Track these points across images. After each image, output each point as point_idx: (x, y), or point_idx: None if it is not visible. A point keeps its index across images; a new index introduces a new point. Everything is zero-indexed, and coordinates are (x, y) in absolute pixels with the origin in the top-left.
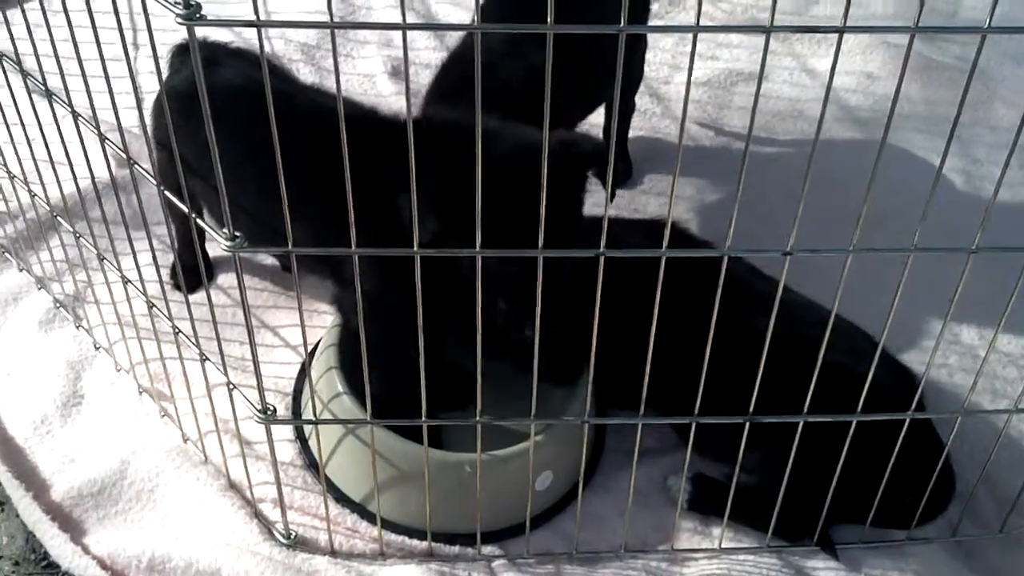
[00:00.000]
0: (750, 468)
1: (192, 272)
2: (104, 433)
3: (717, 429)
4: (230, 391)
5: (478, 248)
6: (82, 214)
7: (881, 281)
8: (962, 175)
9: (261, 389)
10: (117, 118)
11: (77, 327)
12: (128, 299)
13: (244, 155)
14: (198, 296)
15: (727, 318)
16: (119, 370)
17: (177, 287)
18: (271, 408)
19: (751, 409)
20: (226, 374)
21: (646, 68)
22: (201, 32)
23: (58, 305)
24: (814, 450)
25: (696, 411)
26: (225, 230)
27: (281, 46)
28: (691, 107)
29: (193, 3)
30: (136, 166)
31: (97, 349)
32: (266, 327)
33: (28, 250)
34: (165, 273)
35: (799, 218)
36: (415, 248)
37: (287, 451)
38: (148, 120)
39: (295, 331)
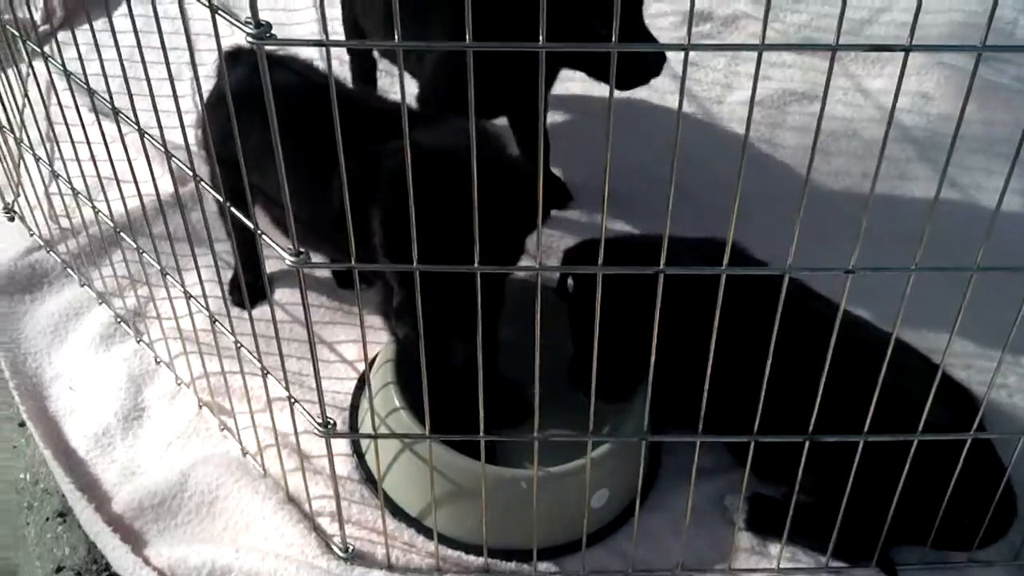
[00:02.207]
0: (808, 489)
1: (253, 288)
2: (165, 446)
3: (774, 449)
4: (291, 405)
5: (538, 264)
6: (145, 230)
7: (939, 303)
8: (1022, 196)
9: (322, 403)
10: (184, 132)
11: (138, 341)
12: (190, 314)
13: (298, 162)
14: (258, 312)
15: (784, 337)
16: (179, 384)
17: (237, 303)
18: (331, 422)
19: (810, 428)
20: (287, 388)
21: (699, 87)
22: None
23: (119, 320)
24: (874, 470)
25: (755, 430)
26: (290, 246)
27: (336, 66)
28: (742, 126)
29: (264, 23)
30: (201, 183)
31: (158, 363)
32: (323, 342)
33: (89, 266)
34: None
35: (861, 235)
36: (475, 264)
37: (344, 466)
38: (199, 133)
39: (351, 347)
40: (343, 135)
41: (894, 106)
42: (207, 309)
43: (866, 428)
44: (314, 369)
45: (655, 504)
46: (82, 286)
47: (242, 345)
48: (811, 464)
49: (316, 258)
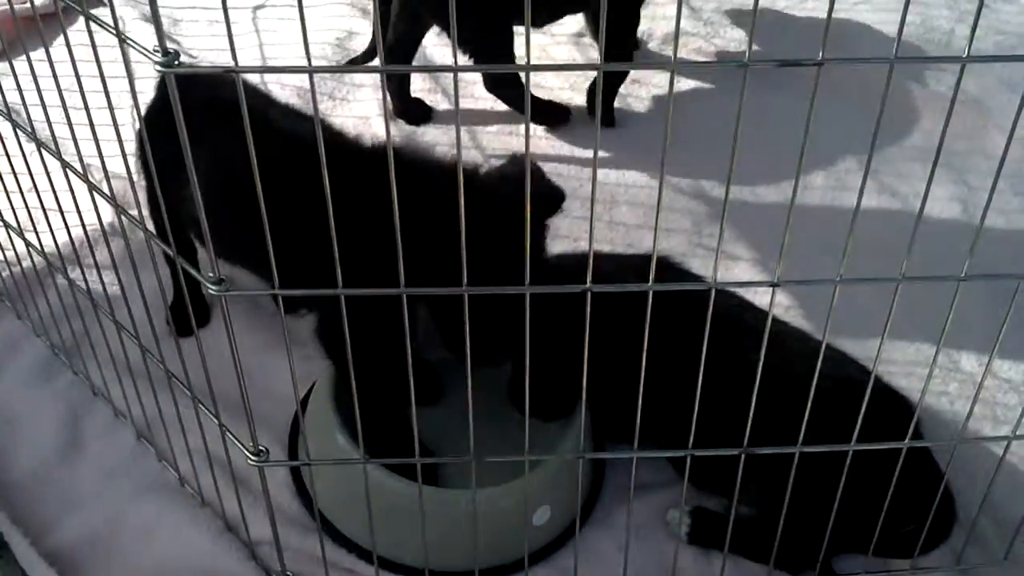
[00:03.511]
0: (748, 500)
1: (185, 314)
2: (103, 479)
3: (713, 462)
4: (222, 433)
5: (464, 286)
6: (76, 261)
7: (878, 312)
8: (960, 203)
9: (252, 431)
10: (125, 160)
11: (75, 373)
12: (122, 345)
13: (221, 178)
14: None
15: (718, 350)
16: (117, 416)
17: (178, 329)
18: (263, 450)
19: (746, 441)
20: (217, 416)
21: (638, 104)
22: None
23: (56, 352)
24: (811, 480)
25: (690, 444)
26: (211, 273)
27: (277, 90)
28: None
29: (171, 51)
30: (124, 214)
31: (95, 395)
32: (266, 369)
33: (26, 298)
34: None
35: (784, 249)
36: (401, 287)
37: (285, 492)
38: (132, 160)
39: (298, 371)
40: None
41: (809, 116)
42: (137, 339)
43: (800, 440)
44: (242, 396)
45: (599, 520)
46: (18, 318)
47: (172, 374)
48: (750, 475)
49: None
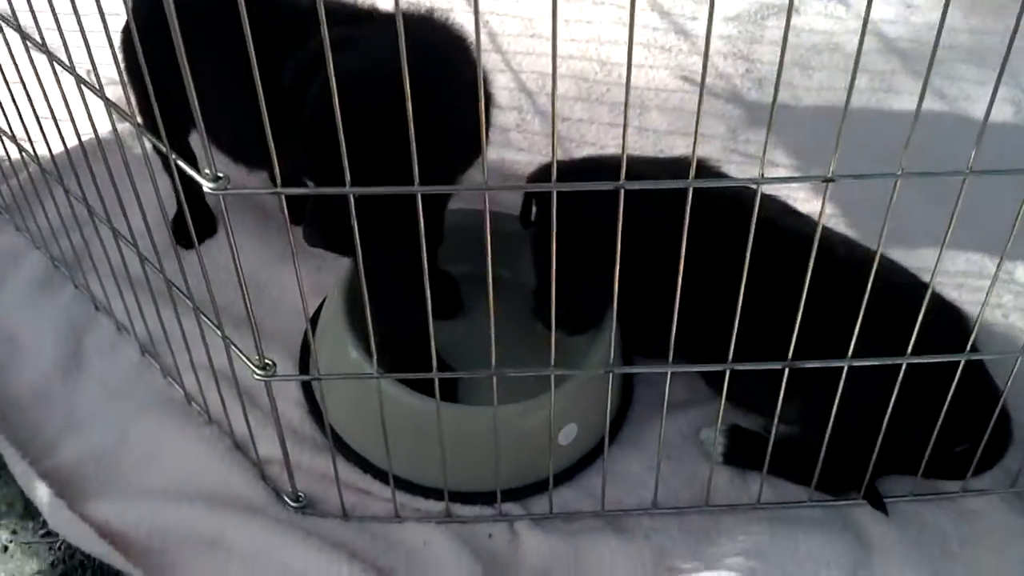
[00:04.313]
0: (789, 418)
1: (198, 223)
2: (106, 396)
3: (752, 377)
4: (226, 346)
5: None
6: (72, 171)
7: (926, 218)
8: (1012, 105)
9: (258, 344)
10: (117, 65)
11: (76, 287)
12: (122, 257)
13: (225, 74)
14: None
15: (760, 256)
16: (120, 331)
17: (181, 240)
18: (270, 363)
19: (790, 354)
20: (220, 327)
21: (672, 4)
22: None
23: (56, 265)
24: (859, 396)
25: (730, 358)
26: (207, 170)
27: None
28: (720, 43)
29: None
30: (114, 107)
31: (98, 310)
32: (277, 281)
33: (24, 209)
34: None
35: (840, 140)
36: (415, 185)
37: (296, 409)
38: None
39: (308, 282)
40: (264, 41)
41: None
42: (135, 247)
43: (850, 352)
44: (245, 307)
45: (627, 439)
46: (17, 230)
47: (173, 285)
48: (792, 392)
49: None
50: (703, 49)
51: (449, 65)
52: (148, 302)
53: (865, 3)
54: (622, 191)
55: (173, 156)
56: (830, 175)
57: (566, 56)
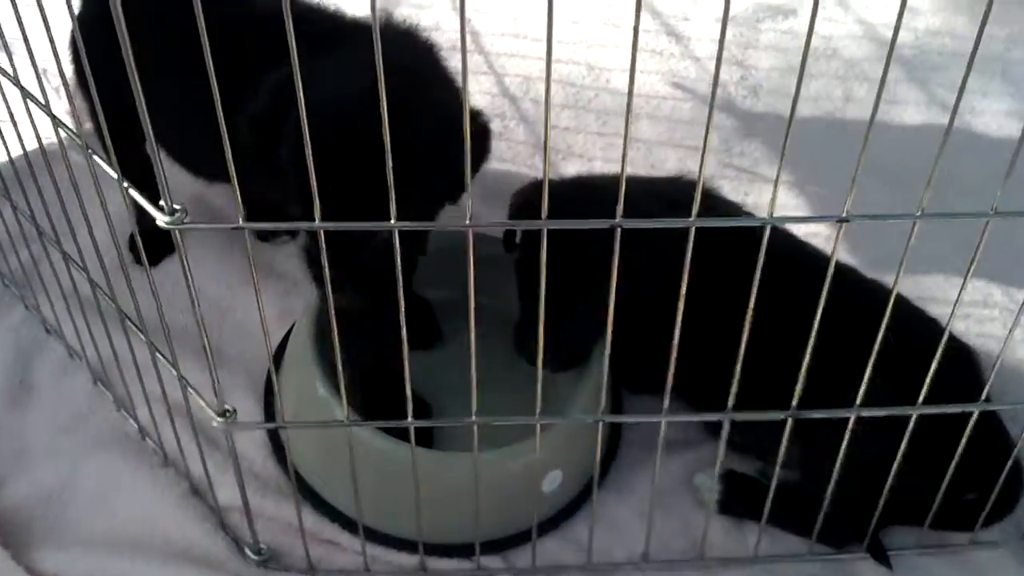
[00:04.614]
0: (789, 463)
1: (149, 241)
2: (55, 429)
3: (750, 420)
4: (183, 388)
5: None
6: (23, 184)
7: (925, 242)
8: (1019, 120)
9: (217, 388)
10: (61, 72)
11: (27, 308)
12: (72, 279)
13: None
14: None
15: (764, 293)
16: (72, 356)
17: (137, 260)
18: (230, 410)
19: (794, 403)
20: (176, 367)
21: (663, 4)
22: None
23: (6, 284)
24: (866, 444)
25: (729, 405)
26: (162, 202)
27: None
28: (713, 46)
29: None
30: (60, 125)
31: (48, 333)
32: (244, 303)
33: None
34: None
35: (856, 179)
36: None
37: (259, 449)
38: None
39: (272, 307)
40: (230, 51)
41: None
42: (85, 271)
43: (858, 400)
44: (204, 346)
45: (615, 484)
46: None
47: (126, 316)
48: (793, 435)
49: None
50: (695, 53)
51: (429, 95)
52: (100, 326)
53: (864, 5)
54: (618, 230)
55: (125, 184)
56: (844, 215)
57: (553, 60)
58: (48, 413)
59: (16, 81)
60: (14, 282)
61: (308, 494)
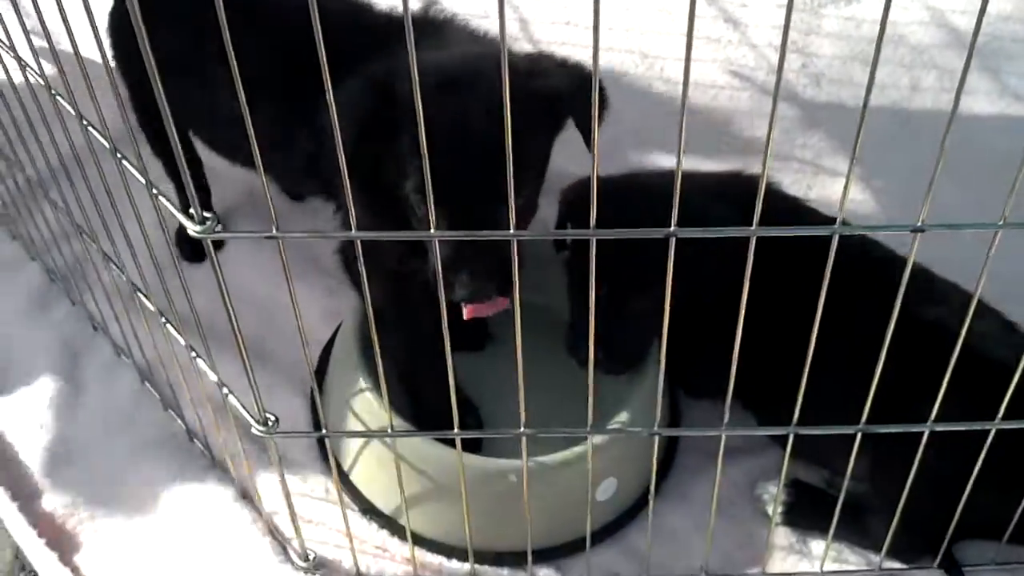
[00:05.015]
0: (857, 474)
1: (194, 240)
2: (103, 429)
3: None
4: (224, 396)
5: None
6: (54, 182)
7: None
8: None
9: (257, 397)
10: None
11: (73, 303)
12: (112, 277)
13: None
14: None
15: (834, 299)
16: (119, 354)
17: (186, 256)
18: (272, 419)
19: (864, 417)
20: (215, 371)
21: None
22: None
23: (52, 279)
24: (939, 456)
25: (795, 420)
26: (192, 210)
27: None
28: (772, 33)
29: None
30: (91, 127)
31: (95, 329)
32: (288, 305)
33: (18, 216)
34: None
35: (934, 184)
36: (432, 231)
37: (307, 452)
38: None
39: (316, 307)
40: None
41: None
42: (122, 271)
43: (932, 415)
44: (241, 357)
45: (673, 493)
46: (13, 239)
47: (168, 320)
48: (863, 446)
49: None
50: (754, 40)
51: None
52: (145, 325)
53: None
54: (673, 240)
55: (155, 191)
56: (920, 223)
57: (603, 48)
58: (96, 413)
59: (45, 82)
60: (59, 277)
61: (356, 499)
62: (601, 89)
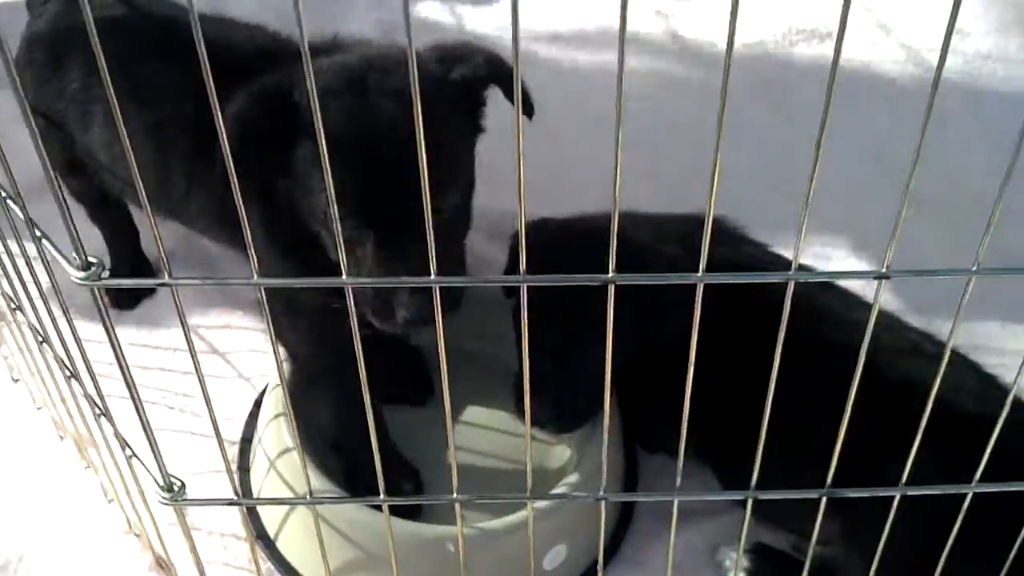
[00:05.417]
0: (827, 537)
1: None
2: (15, 488)
3: (782, 485)
4: (128, 460)
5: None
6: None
7: (996, 299)
8: None
9: (160, 463)
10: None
11: None
12: (14, 327)
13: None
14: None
15: (797, 349)
16: (40, 408)
17: (114, 303)
18: (177, 484)
19: (830, 477)
20: (117, 436)
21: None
22: None
23: None
24: (918, 521)
25: (753, 482)
26: (74, 255)
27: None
28: (740, 73)
29: None
30: None
31: (15, 381)
32: (216, 352)
33: None
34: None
35: (900, 226)
36: (344, 277)
37: (229, 518)
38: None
39: (253, 357)
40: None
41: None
42: (27, 321)
43: (904, 477)
44: (140, 418)
45: (628, 559)
46: None
47: (72, 375)
48: (832, 506)
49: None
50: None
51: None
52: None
53: (907, 28)
54: (611, 287)
55: (39, 233)
56: (884, 270)
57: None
58: (9, 469)
59: None
60: None
61: (283, 569)
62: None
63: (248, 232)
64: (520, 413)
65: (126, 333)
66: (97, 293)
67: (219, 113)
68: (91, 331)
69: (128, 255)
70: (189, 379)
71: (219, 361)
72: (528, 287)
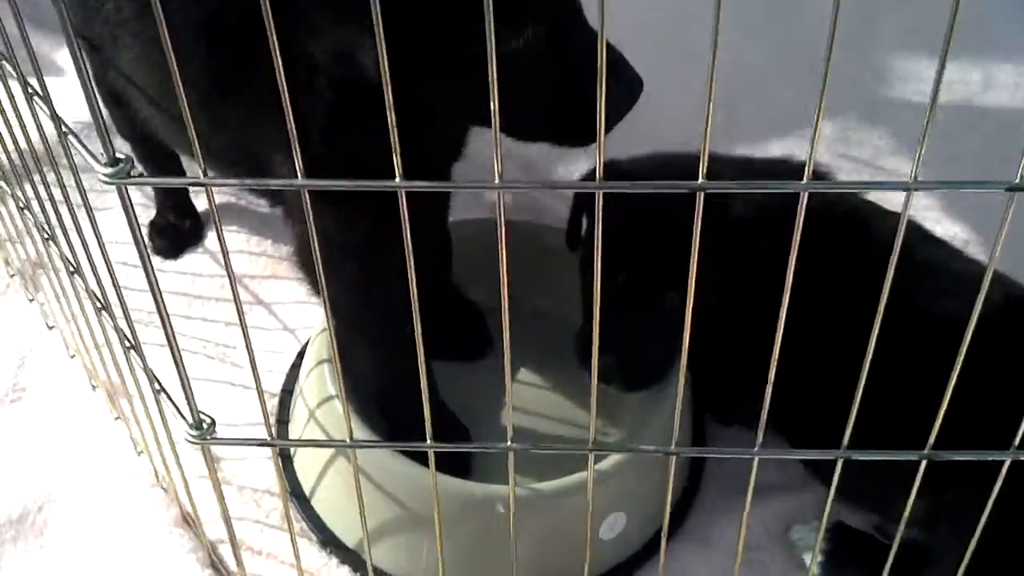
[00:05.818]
0: (914, 517)
1: (168, 233)
2: (43, 438)
3: (868, 461)
4: (156, 396)
5: (498, 179)
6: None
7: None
8: None
9: (190, 398)
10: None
11: (30, 300)
12: (56, 274)
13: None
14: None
15: (895, 302)
16: (73, 356)
17: (159, 250)
18: (207, 422)
19: (931, 439)
20: (146, 370)
21: None
22: None
23: (12, 274)
24: (1013, 495)
25: (845, 443)
26: (102, 152)
27: None
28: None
29: None
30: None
31: (50, 329)
32: (261, 303)
33: None
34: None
35: (925, 138)
36: (397, 180)
37: (264, 473)
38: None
39: (294, 308)
40: None
41: None
42: (68, 265)
43: (1017, 440)
44: (173, 355)
45: (692, 535)
46: None
47: (103, 307)
48: (923, 485)
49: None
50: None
51: None
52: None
53: None
54: (700, 194)
55: (65, 129)
56: (911, 181)
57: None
58: (36, 419)
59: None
60: (19, 272)
61: (317, 528)
62: None
63: (293, 131)
64: (586, 367)
65: (168, 280)
66: (124, 192)
67: None
68: (127, 277)
69: (177, 205)
70: (232, 330)
71: (263, 312)
72: (592, 238)
